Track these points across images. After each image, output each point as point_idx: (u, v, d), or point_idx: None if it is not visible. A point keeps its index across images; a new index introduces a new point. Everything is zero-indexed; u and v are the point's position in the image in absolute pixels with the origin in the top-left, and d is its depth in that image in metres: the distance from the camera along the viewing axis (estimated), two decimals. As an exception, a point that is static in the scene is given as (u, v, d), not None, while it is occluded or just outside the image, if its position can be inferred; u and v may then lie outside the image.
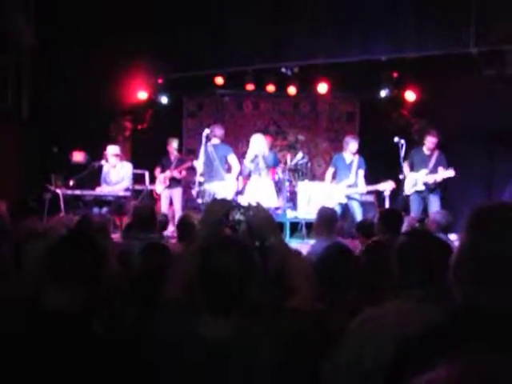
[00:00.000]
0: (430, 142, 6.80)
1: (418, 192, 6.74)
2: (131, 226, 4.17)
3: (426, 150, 6.84)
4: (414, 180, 6.70)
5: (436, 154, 6.80)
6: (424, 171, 6.69)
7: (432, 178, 6.61)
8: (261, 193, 6.58)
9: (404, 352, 1.14)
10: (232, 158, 7.01)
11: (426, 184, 6.66)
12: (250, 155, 6.84)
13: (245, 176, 7.09)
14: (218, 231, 2.05)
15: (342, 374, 1.84)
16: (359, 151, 7.05)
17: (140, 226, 3.84)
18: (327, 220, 4.13)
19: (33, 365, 1.54)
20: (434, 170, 6.68)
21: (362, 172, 6.92)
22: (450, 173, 6.59)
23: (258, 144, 6.83)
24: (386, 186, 6.70)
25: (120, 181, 7.04)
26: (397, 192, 6.93)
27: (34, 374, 1.54)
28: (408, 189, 6.74)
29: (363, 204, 7.11)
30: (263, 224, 1.81)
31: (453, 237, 5.70)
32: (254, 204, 1.86)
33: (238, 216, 1.83)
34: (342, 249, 2.76)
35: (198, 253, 1.77)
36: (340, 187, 6.87)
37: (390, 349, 1.69)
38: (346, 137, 7.20)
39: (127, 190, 6.98)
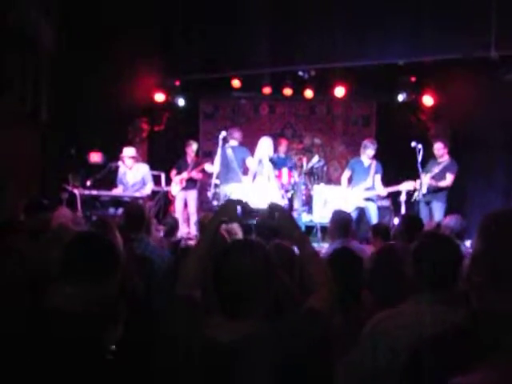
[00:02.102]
0: (436, 149, 6.79)
1: (423, 196, 6.68)
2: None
3: (439, 158, 6.80)
4: (420, 185, 6.66)
5: (447, 160, 6.74)
6: (429, 175, 6.65)
7: (429, 180, 6.55)
8: (266, 195, 6.57)
9: (421, 355, 1.13)
10: (250, 161, 7.03)
11: (428, 187, 6.61)
12: (255, 158, 6.87)
13: (253, 176, 7.08)
14: (231, 221, 2.04)
15: (357, 374, 1.84)
16: (376, 156, 7.00)
17: (130, 226, 3.73)
18: (342, 223, 4.11)
19: (35, 362, 1.54)
20: (440, 175, 6.62)
21: (378, 177, 6.87)
22: (448, 179, 6.54)
23: (263, 147, 6.84)
24: (408, 186, 6.62)
25: (137, 182, 7.07)
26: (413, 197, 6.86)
27: (37, 372, 1.53)
28: (418, 195, 6.68)
29: (379, 209, 7.05)
30: (284, 221, 1.81)
31: (468, 243, 5.64)
32: (269, 205, 1.84)
33: (255, 216, 1.83)
34: (348, 252, 2.75)
35: (208, 246, 1.78)
36: (358, 190, 6.82)
37: (403, 350, 1.68)
38: (364, 140, 7.15)
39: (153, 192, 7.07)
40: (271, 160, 6.94)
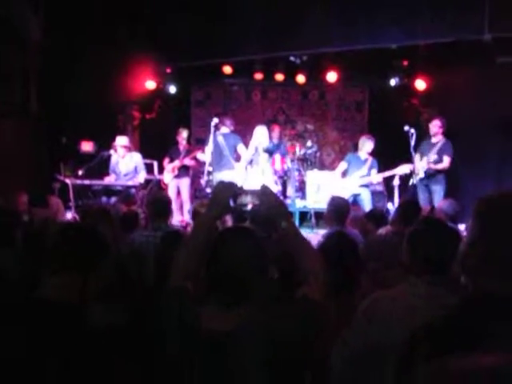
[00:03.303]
0: (433, 125, 6.77)
1: (421, 180, 6.69)
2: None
3: (432, 138, 6.79)
4: (417, 169, 6.65)
5: (441, 142, 6.74)
6: (425, 159, 6.65)
7: (426, 164, 6.56)
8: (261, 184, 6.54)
9: (417, 339, 1.12)
10: (241, 148, 7.00)
11: (425, 171, 6.61)
12: (251, 147, 6.83)
13: (248, 164, 7.04)
14: (223, 214, 2.02)
15: (349, 355, 1.84)
16: (372, 153, 6.96)
17: (157, 216, 3.85)
18: (338, 210, 4.10)
19: (28, 354, 1.53)
20: (437, 159, 6.62)
21: (374, 171, 6.84)
22: (445, 161, 6.54)
23: (258, 136, 6.81)
24: (404, 170, 6.61)
25: (130, 172, 7.04)
26: (406, 182, 6.86)
27: (29, 363, 1.53)
28: (414, 178, 6.69)
29: (372, 194, 7.05)
30: (274, 208, 1.78)
31: (462, 227, 5.65)
32: (261, 188, 1.81)
33: (246, 200, 1.79)
34: (344, 236, 2.74)
35: (203, 237, 1.74)
36: (353, 178, 6.80)
37: (396, 331, 1.69)
38: (362, 137, 7.12)
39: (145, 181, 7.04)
40: (266, 149, 6.89)
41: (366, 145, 6.86)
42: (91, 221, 3.64)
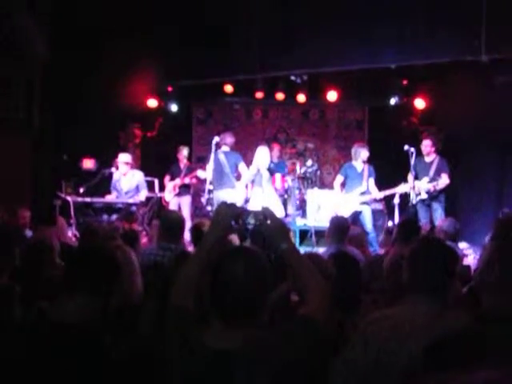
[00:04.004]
0: (424, 145, 6.84)
1: (422, 200, 6.71)
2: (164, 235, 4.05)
3: (426, 157, 6.83)
4: (418, 189, 6.67)
5: (436, 160, 6.78)
6: (425, 179, 6.67)
7: (432, 186, 6.58)
8: (265, 203, 6.53)
9: (428, 353, 1.14)
10: (242, 166, 7.00)
11: (428, 192, 6.63)
12: (253, 168, 6.81)
13: (250, 184, 7.03)
14: (226, 235, 2.03)
15: (349, 375, 1.84)
16: (368, 159, 7.01)
17: (171, 236, 3.75)
18: (339, 228, 4.19)
19: (42, 375, 1.53)
20: (435, 177, 6.65)
21: (372, 180, 6.86)
22: (445, 180, 6.57)
23: (261, 157, 6.79)
24: (404, 189, 6.63)
25: (131, 190, 7.02)
26: (406, 200, 6.88)
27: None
28: (414, 198, 6.70)
29: (373, 212, 7.06)
30: (275, 230, 1.79)
31: (462, 245, 5.66)
32: (263, 209, 1.84)
33: (248, 220, 1.81)
34: (347, 256, 2.75)
35: (205, 257, 1.76)
36: (353, 195, 6.81)
37: (393, 350, 1.69)
38: (354, 145, 7.13)
39: (146, 199, 7.03)
40: (268, 169, 6.88)
41: (361, 153, 6.84)
42: (93, 238, 3.65)
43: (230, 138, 7.14)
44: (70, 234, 6.25)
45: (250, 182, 6.87)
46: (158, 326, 2.03)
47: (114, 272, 1.79)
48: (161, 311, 2.59)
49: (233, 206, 1.84)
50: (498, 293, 1.16)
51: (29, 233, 4.86)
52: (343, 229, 4.18)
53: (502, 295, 1.15)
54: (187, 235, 7.08)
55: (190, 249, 4.48)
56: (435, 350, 1.13)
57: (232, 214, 1.80)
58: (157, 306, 2.70)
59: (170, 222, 3.85)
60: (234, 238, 3.39)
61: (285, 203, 7.87)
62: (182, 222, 3.95)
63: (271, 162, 7.62)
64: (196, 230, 3.89)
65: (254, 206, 6.47)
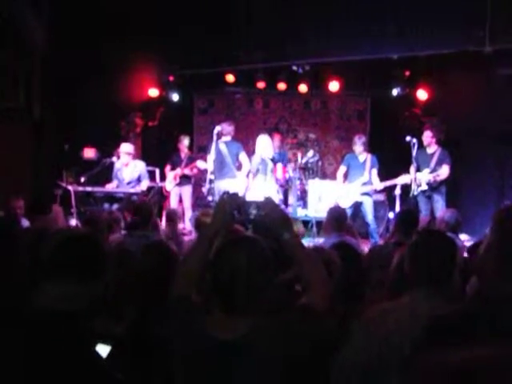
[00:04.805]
0: (425, 136, 6.82)
1: (423, 192, 6.71)
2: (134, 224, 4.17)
3: (427, 148, 6.82)
4: (419, 180, 6.67)
5: (438, 151, 6.77)
6: (426, 170, 6.67)
7: (432, 177, 6.58)
8: (266, 193, 6.53)
9: (428, 331, 1.16)
10: (243, 156, 6.99)
11: (428, 183, 6.63)
12: (256, 157, 6.79)
13: (254, 174, 7.02)
14: (229, 225, 2.03)
15: (350, 370, 1.85)
16: (370, 150, 6.99)
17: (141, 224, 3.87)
18: (337, 219, 4.19)
19: (29, 363, 1.53)
20: (436, 168, 6.64)
21: (375, 171, 6.84)
22: (446, 171, 6.56)
23: (263, 146, 6.76)
24: (405, 180, 6.62)
25: (133, 180, 7.00)
26: (408, 191, 6.88)
27: (30, 372, 1.52)
28: (415, 189, 6.70)
29: (374, 203, 7.05)
30: (276, 219, 1.79)
31: (463, 237, 5.66)
32: (265, 199, 1.83)
33: (250, 210, 1.81)
34: (348, 247, 2.76)
35: (207, 247, 1.76)
36: (355, 185, 6.81)
37: (397, 343, 1.70)
38: (354, 138, 7.14)
39: (147, 188, 7.03)
40: (272, 159, 6.86)
41: (355, 147, 6.88)
42: (93, 227, 3.66)
43: (230, 127, 7.09)
44: (72, 223, 6.26)
45: (254, 172, 6.85)
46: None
47: (101, 260, 1.78)
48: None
49: (235, 195, 1.85)
50: (497, 277, 1.19)
51: (25, 222, 4.84)
52: (340, 219, 4.20)
53: (501, 279, 1.18)
54: (187, 224, 7.13)
55: (189, 238, 4.53)
56: (435, 328, 1.14)
57: (234, 204, 1.81)
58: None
59: (137, 210, 4.07)
60: (240, 229, 3.39)
61: (286, 193, 7.88)
62: (150, 209, 4.18)
63: (274, 152, 7.60)
64: (199, 220, 3.90)
65: (255, 194, 6.47)
